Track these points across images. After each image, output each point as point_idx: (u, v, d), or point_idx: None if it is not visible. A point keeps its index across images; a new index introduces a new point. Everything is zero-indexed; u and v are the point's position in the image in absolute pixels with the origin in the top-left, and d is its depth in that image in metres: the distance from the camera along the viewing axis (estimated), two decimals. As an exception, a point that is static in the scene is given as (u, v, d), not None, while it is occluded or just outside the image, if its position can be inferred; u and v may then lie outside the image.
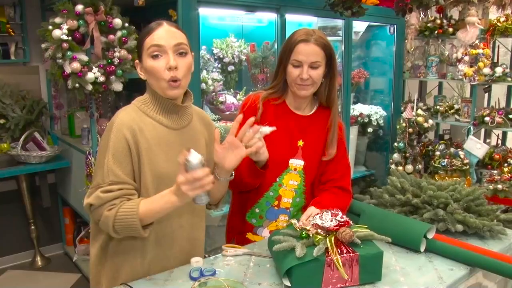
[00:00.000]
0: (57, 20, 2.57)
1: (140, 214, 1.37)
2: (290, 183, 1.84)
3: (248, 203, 1.89)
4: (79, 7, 2.57)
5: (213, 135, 1.52)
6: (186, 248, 1.62)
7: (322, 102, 1.88)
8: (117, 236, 1.43)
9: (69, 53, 2.57)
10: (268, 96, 1.84)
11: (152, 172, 1.46)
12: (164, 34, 1.44)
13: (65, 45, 2.55)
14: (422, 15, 4.40)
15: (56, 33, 2.54)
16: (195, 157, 1.30)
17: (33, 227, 3.76)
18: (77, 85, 2.62)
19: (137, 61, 1.53)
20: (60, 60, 2.58)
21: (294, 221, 1.54)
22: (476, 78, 3.89)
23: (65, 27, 2.56)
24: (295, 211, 1.88)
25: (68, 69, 2.58)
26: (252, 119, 1.50)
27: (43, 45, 2.61)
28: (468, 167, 3.79)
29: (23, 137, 3.33)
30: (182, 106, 1.55)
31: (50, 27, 2.56)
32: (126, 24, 2.75)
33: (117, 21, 2.69)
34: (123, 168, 1.41)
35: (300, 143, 1.83)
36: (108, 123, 1.50)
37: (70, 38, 2.58)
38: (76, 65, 2.58)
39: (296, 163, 1.83)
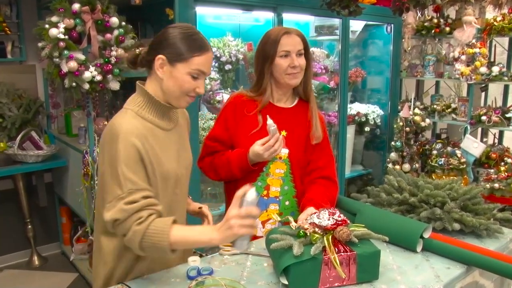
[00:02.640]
0: (54, 18, 2.56)
1: (170, 237, 1.32)
2: (277, 171, 1.90)
3: None
4: (76, 6, 2.56)
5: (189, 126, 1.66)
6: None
7: (300, 95, 1.97)
8: (141, 253, 1.39)
9: (65, 52, 2.57)
10: (250, 94, 1.93)
11: (160, 175, 1.47)
12: (210, 62, 1.51)
13: (61, 44, 2.55)
14: (419, 14, 4.40)
15: (53, 32, 2.53)
16: (253, 195, 1.33)
17: (29, 226, 3.75)
18: (74, 84, 2.61)
19: (162, 57, 1.45)
20: (57, 59, 2.57)
21: (290, 218, 1.54)
22: (473, 77, 3.90)
23: (61, 26, 2.55)
24: (284, 199, 1.91)
25: (65, 68, 2.58)
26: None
27: (39, 44, 2.61)
28: (465, 166, 3.80)
29: (19, 136, 3.32)
30: (174, 108, 1.56)
31: (47, 26, 2.56)
32: (123, 23, 2.74)
33: (114, 20, 2.68)
34: (138, 176, 1.38)
35: (283, 133, 1.89)
36: (106, 133, 1.44)
37: (66, 37, 2.57)
38: (73, 64, 2.57)
39: (281, 151, 1.87)
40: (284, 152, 1.88)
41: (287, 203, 1.91)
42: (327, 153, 1.98)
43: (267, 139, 1.76)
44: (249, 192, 1.33)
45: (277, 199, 1.90)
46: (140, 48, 1.57)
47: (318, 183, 1.89)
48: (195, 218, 1.81)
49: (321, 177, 1.91)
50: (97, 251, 1.56)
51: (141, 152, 1.40)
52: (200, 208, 1.79)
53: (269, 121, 1.74)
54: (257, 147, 1.77)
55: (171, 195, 1.54)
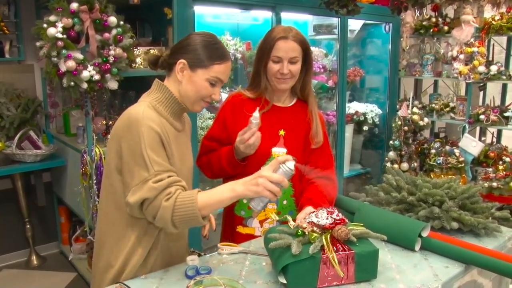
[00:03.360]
0: (52, 18, 2.56)
1: (198, 203, 1.36)
2: None
3: None
4: (74, 5, 2.56)
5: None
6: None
7: (298, 95, 1.97)
8: (175, 230, 1.42)
9: (64, 51, 2.56)
10: (248, 94, 1.93)
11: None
12: (228, 71, 1.58)
13: (60, 43, 2.54)
14: (417, 13, 4.40)
15: (51, 31, 2.53)
16: (292, 167, 1.38)
17: (28, 226, 3.75)
18: (72, 83, 2.61)
19: (184, 61, 1.51)
20: (55, 59, 2.56)
21: (289, 217, 1.54)
22: (471, 76, 3.90)
23: (60, 25, 2.55)
24: (282, 199, 1.91)
25: (63, 68, 2.57)
26: None
27: (37, 43, 2.60)
28: (463, 165, 3.81)
29: (18, 135, 3.31)
30: (188, 111, 1.62)
31: (45, 25, 2.55)
32: (121, 22, 2.74)
33: (112, 19, 2.68)
34: (162, 157, 1.42)
35: (281, 132, 1.89)
36: (122, 123, 1.45)
37: (65, 36, 2.56)
38: (71, 64, 2.57)
39: (279, 151, 1.88)
40: (282, 151, 1.88)
41: (285, 202, 1.91)
42: (327, 153, 1.98)
43: (244, 131, 1.74)
44: (289, 162, 1.38)
45: (275, 199, 1.90)
46: (161, 51, 1.61)
47: (317, 182, 1.88)
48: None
49: (320, 177, 1.88)
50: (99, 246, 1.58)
51: (162, 137, 1.44)
52: None
53: (255, 114, 1.70)
54: (237, 139, 1.77)
55: None
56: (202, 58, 1.50)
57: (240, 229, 1.93)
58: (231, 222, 1.96)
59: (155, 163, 1.38)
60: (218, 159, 1.87)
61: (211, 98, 1.56)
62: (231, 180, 1.90)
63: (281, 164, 1.39)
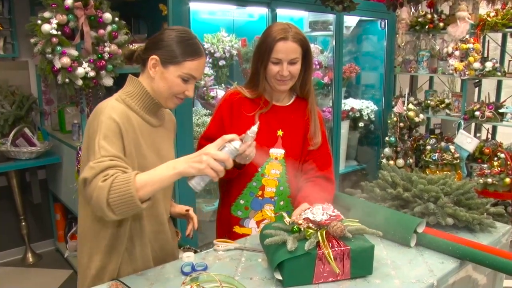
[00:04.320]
0: (46, 14, 2.54)
1: (136, 183, 1.28)
2: (272, 172, 1.87)
3: (232, 195, 1.91)
4: (69, 1, 2.54)
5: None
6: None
7: (298, 93, 1.94)
8: (113, 216, 1.30)
9: (58, 48, 2.55)
10: (246, 94, 1.89)
11: (138, 164, 1.46)
12: (202, 68, 1.54)
13: (54, 39, 2.53)
14: (413, 10, 4.42)
15: (45, 27, 2.51)
16: (237, 145, 1.35)
17: (23, 223, 3.73)
18: (67, 80, 2.59)
19: (156, 57, 1.48)
20: (50, 55, 2.55)
21: (284, 214, 1.54)
22: (467, 73, 3.91)
23: (54, 21, 2.53)
24: (280, 200, 1.89)
25: (58, 64, 2.56)
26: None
27: (32, 40, 2.59)
28: (458, 161, 3.82)
29: (12, 132, 3.30)
30: (162, 107, 1.58)
31: (39, 21, 2.54)
32: (116, 19, 2.73)
33: (107, 16, 2.67)
34: (115, 147, 1.38)
35: (280, 132, 1.87)
36: (90, 116, 1.48)
37: (59, 32, 2.55)
38: (66, 60, 2.56)
39: (277, 152, 1.86)
40: (280, 152, 1.86)
41: (282, 203, 1.90)
42: (325, 152, 1.94)
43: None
44: (235, 142, 1.35)
45: (272, 200, 1.89)
46: (137, 45, 1.58)
47: (314, 181, 1.86)
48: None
49: (318, 176, 1.88)
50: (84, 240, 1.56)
51: (121, 129, 1.41)
52: (187, 210, 1.79)
53: (254, 128, 1.55)
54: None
55: None
56: (174, 55, 1.47)
57: (237, 229, 1.91)
58: (227, 222, 1.94)
59: (103, 149, 1.34)
60: None
61: (184, 94, 1.52)
62: (225, 183, 1.90)
63: (227, 143, 1.35)
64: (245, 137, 1.55)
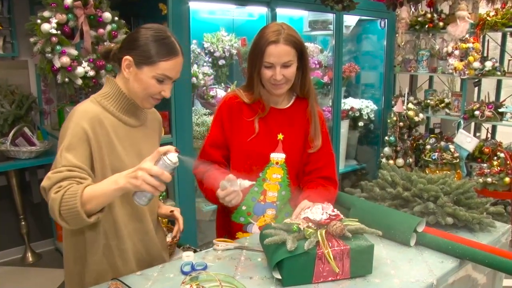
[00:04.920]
0: (46, 13, 2.55)
1: (83, 197, 1.27)
2: (274, 176, 1.84)
3: None
4: (68, 1, 2.55)
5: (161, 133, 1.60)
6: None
7: (297, 93, 1.88)
8: (68, 226, 1.32)
9: (58, 47, 2.55)
10: (245, 99, 1.83)
11: (112, 166, 1.45)
12: (178, 68, 1.49)
13: (54, 39, 2.53)
14: (412, 9, 4.42)
15: (45, 27, 2.52)
16: (174, 159, 1.28)
17: (23, 223, 3.73)
18: (66, 79, 2.60)
19: (130, 58, 1.44)
20: (49, 55, 2.55)
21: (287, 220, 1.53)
22: (466, 72, 3.91)
23: (54, 21, 2.53)
24: (281, 204, 1.87)
25: (57, 64, 2.56)
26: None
27: (31, 39, 2.59)
28: (458, 160, 3.83)
29: (12, 132, 3.30)
30: (140, 107, 1.55)
31: (39, 21, 2.54)
32: (116, 18, 2.73)
33: (107, 15, 2.67)
34: (77, 156, 1.36)
35: (280, 136, 1.83)
36: (67, 116, 1.46)
37: (59, 32, 2.55)
38: (65, 60, 2.56)
39: (278, 156, 1.83)
40: (281, 157, 1.83)
41: (284, 208, 1.87)
42: (327, 152, 1.90)
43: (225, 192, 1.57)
44: (171, 154, 1.28)
45: (274, 204, 1.86)
46: (114, 44, 1.56)
47: (317, 182, 1.85)
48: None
49: (320, 177, 1.86)
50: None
51: (88, 135, 1.39)
52: (171, 211, 1.77)
53: (243, 182, 1.51)
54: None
55: None
56: (149, 55, 1.42)
57: (240, 235, 1.89)
58: (228, 229, 1.91)
59: (64, 159, 1.34)
60: (212, 184, 1.68)
61: (161, 95, 1.48)
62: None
63: (162, 156, 1.28)
64: (223, 184, 1.52)
